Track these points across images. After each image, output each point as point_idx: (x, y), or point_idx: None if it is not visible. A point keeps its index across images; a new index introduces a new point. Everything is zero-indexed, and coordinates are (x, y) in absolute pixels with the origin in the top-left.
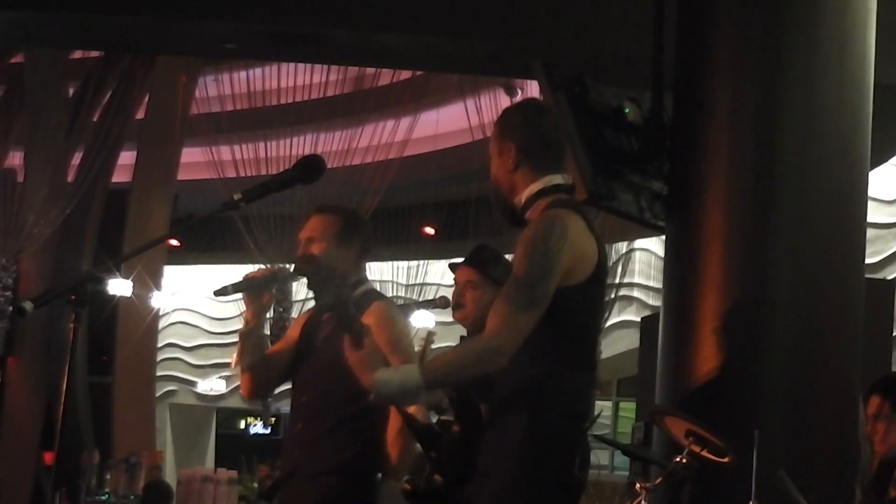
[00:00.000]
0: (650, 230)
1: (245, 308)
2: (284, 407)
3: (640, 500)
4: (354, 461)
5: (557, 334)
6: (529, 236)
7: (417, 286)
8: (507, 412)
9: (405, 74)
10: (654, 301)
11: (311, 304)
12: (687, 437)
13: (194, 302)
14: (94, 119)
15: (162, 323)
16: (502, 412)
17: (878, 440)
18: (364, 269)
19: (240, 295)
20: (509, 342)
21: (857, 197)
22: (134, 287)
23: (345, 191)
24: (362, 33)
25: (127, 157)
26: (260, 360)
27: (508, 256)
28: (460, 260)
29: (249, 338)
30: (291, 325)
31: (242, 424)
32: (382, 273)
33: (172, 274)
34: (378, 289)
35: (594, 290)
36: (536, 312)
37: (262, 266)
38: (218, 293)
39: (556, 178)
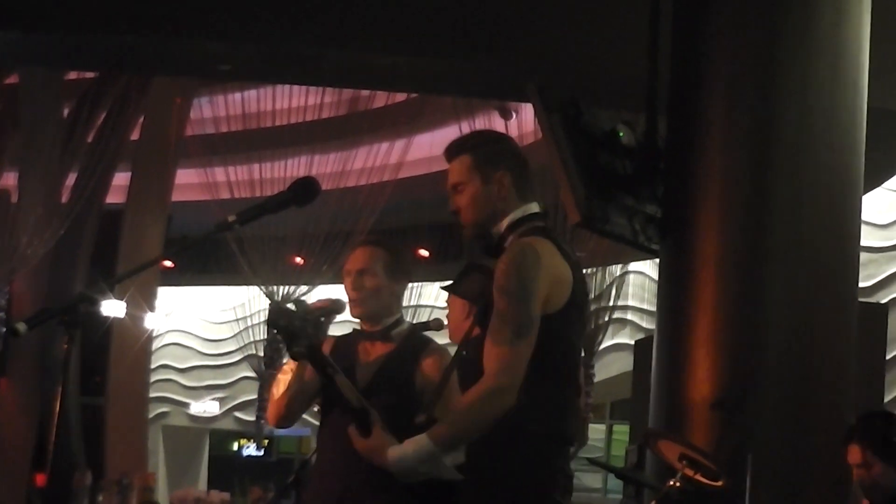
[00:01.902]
0: (644, 253)
1: None
2: (278, 429)
3: None
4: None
5: (539, 361)
6: (501, 269)
7: (411, 308)
8: (489, 437)
9: (400, 97)
10: (648, 324)
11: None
12: (680, 460)
13: (188, 323)
14: (89, 140)
15: (155, 344)
16: (484, 437)
17: (869, 486)
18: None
19: (233, 316)
20: (510, 379)
21: (851, 221)
22: (127, 308)
23: (339, 213)
24: (357, 55)
25: (121, 178)
26: (300, 389)
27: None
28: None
29: (303, 366)
30: None
31: (235, 446)
32: None
33: (166, 295)
34: None
35: (573, 314)
36: (527, 341)
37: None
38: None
39: (534, 206)
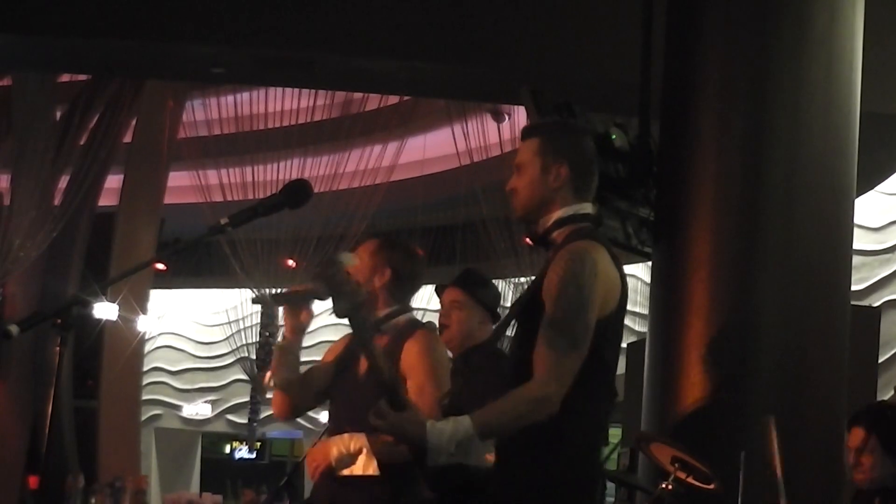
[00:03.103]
0: (637, 256)
1: (284, 323)
2: (270, 432)
3: None
4: (399, 492)
5: (590, 367)
6: (560, 274)
7: None
8: (528, 445)
9: (392, 99)
10: (641, 327)
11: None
12: (672, 463)
13: (180, 326)
14: (82, 142)
15: (148, 347)
16: (522, 444)
17: (861, 472)
18: (407, 298)
19: (225, 319)
20: (559, 388)
21: (844, 224)
22: (120, 311)
23: (332, 216)
24: (350, 58)
25: (114, 181)
26: (295, 379)
27: (497, 281)
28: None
29: (286, 353)
30: (330, 348)
31: (227, 449)
32: None
33: (158, 298)
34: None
35: (620, 321)
36: (580, 352)
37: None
38: (256, 301)
39: (587, 207)
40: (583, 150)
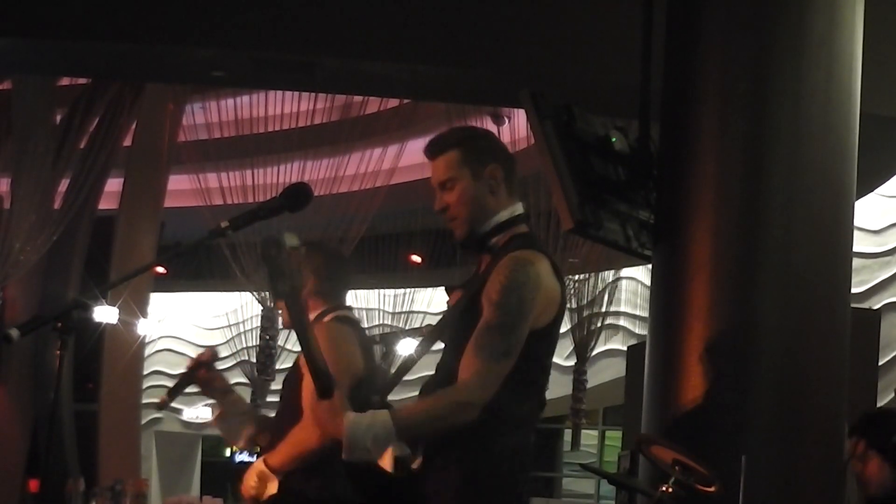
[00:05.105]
0: (637, 259)
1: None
2: None
3: None
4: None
5: (515, 377)
6: (503, 282)
7: (404, 314)
8: (455, 450)
9: (392, 102)
10: (641, 330)
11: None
12: (673, 466)
13: (180, 329)
14: (82, 146)
15: (148, 350)
16: (449, 450)
17: (865, 481)
18: (340, 298)
19: (226, 322)
20: (481, 395)
21: (844, 226)
22: (120, 314)
23: (332, 219)
24: (350, 61)
25: (114, 184)
26: (255, 434)
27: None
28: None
29: (223, 423)
30: None
31: (228, 452)
32: (369, 301)
33: (159, 301)
34: (363, 317)
35: (555, 331)
36: (509, 362)
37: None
38: (159, 407)
39: (519, 207)
40: (504, 148)
